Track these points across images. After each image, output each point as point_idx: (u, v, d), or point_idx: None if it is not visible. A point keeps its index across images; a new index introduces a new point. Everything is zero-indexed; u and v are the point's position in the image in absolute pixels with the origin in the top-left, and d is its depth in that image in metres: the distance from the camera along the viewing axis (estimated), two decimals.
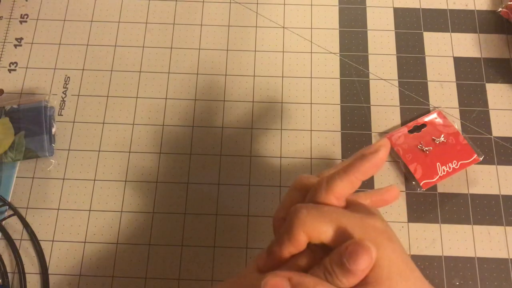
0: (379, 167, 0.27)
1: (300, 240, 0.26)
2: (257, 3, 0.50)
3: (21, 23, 0.49)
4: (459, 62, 0.47)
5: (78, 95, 0.46)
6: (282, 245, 0.27)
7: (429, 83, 0.47)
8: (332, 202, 0.27)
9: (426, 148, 0.43)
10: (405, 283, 0.25)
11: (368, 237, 0.25)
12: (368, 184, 0.43)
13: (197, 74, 0.47)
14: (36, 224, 0.42)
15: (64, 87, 0.47)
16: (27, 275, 0.40)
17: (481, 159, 0.43)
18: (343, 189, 0.27)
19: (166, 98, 0.46)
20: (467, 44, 0.48)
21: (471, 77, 0.47)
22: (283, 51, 0.48)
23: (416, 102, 0.46)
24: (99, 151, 0.44)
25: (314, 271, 0.25)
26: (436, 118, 0.44)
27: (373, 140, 0.45)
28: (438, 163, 0.42)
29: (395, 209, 0.42)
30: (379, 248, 0.25)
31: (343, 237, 0.25)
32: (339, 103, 0.46)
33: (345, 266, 0.24)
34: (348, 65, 0.47)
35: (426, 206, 0.42)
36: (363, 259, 0.23)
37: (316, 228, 0.26)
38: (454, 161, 0.42)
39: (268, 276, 0.24)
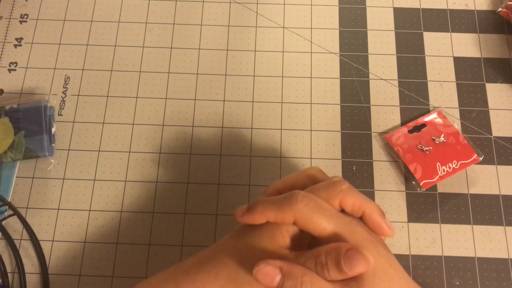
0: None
1: (286, 220, 0.28)
2: (257, 3, 0.50)
3: (21, 23, 0.49)
4: (459, 62, 0.47)
5: (78, 95, 0.46)
6: (266, 212, 0.28)
7: (429, 83, 0.47)
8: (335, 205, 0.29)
9: (426, 148, 0.43)
10: (388, 280, 0.26)
11: (355, 240, 0.27)
12: (367, 184, 0.43)
13: (197, 74, 0.47)
14: (36, 224, 0.42)
15: (64, 87, 0.47)
16: (27, 275, 0.40)
17: (481, 159, 0.43)
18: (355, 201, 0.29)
19: (166, 98, 0.46)
20: (467, 44, 0.48)
21: (471, 77, 0.47)
22: (283, 51, 0.48)
23: (416, 102, 0.46)
24: (99, 151, 0.44)
25: (305, 260, 0.26)
26: (436, 118, 0.44)
27: (373, 140, 0.45)
28: (438, 163, 0.42)
29: (395, 209, 0.42)
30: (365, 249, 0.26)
31: (334, 237, 0.27)
32: (339, 103, 0.46)
33: (340, 265, 0.25)
34: (348, 65, 0.47)
35: (426, 206, 0.42)
36: (359, 266, 0.25)
37: (312, 221, 0.27)
38: (454, 161, 0.42)
39: (260, 264, 0.26)
